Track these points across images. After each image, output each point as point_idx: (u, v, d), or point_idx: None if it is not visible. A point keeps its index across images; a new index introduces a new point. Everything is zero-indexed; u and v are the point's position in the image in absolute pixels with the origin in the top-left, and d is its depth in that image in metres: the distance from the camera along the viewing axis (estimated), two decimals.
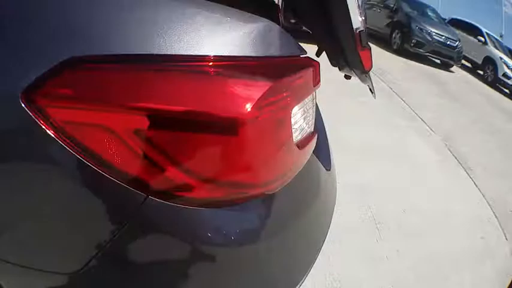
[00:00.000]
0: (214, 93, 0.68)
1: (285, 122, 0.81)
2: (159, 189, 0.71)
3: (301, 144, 0.93)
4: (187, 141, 0.69)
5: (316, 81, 0.97)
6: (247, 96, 0.69)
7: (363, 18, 0.96)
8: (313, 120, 1.05)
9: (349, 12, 0.87)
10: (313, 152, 1.30)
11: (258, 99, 0.69)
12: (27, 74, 0.63)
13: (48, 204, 0.71)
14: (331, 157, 1.52)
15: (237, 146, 0.70)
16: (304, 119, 0.96)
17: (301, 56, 0.92)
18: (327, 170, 1.33)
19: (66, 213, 0.73)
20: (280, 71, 0.79)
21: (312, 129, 1.05)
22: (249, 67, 0.74)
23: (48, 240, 0.76)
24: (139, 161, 0.68)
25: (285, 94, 0.78)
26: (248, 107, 0.68)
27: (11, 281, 0.80)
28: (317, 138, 1.47)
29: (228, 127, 0.68)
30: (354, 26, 0.91)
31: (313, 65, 0.94)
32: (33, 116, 0.64)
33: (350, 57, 1.04)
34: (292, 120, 0.85)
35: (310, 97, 0.99)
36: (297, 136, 0.90)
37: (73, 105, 0.65)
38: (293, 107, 0.82)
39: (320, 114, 1.79)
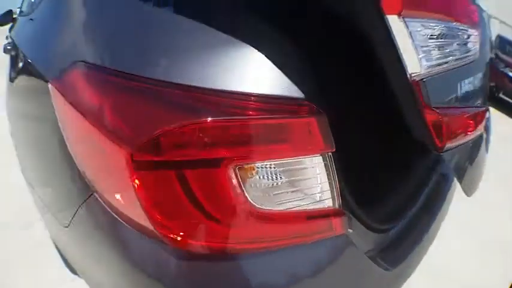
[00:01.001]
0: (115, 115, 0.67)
1: (214, 179, 0.66)
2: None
3: (279, 218, 0.73)
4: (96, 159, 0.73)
5: (320, 142, 0.72)
6: (135, 131, 0.64)
7: (435, 62, 0.65)
8: (333, 195, 0.79)
9: (395, 48, 0.59)
10: (377, 237, 1.00)
11: (153, 138, 0.62)
12: (59, 68, 0.84)
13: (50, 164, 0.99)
14: (414, 257, 1.13)
15: (127, 182, 0.65)
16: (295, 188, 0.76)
17: (289, 100, 0.71)
18: (385, 267, 1.00)
19: (56, 180, 0.96)
20: (217, 108, 0.65)
21: (332, 206, 0.79)
22: (166, 94, 0.66)
23: (54, 198, 1.04)
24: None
25: (213, 141, 0.64)
26: (131, 143, 0.63)
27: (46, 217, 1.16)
28: (412, 227, 1.13)
29: (118, 158, 0.65)
30: (409, 71, 0.62)
31: (312, 116, 0.71)
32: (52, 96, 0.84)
33: (412, 123, 0.72)
34: (254, 183, 0.69)
35: (318, 160, 0.75)
36: (268, 203, 0.72)
37: (68, 96, 0.79)
38: (242, 164, 0.67)
39: (440, 198, 1.32)
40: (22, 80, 1.28)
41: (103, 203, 0.75)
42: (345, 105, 0.92)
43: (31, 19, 1.28)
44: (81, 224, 0.88)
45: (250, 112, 0.66)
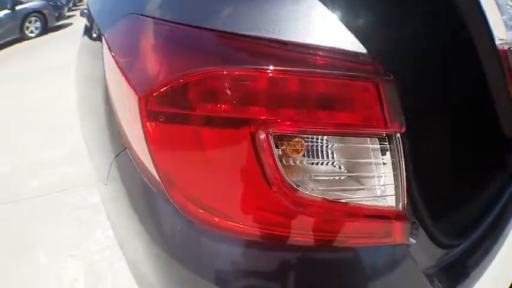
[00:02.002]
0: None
1: (241, 144, 0.55)
2: None
3: (325, 209, 0.60)
4: None
5: (385, 115, 0.57)
6: (159, 72, 0.57)
7: None
8: (398, 192, 0.63)
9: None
10: None
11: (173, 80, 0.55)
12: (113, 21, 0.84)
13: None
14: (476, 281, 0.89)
15: (140, 135, 0.59)
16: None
17: (352, 56, 0.57)
18: None
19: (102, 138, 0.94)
20: (257, 57, 0.55)
21: (395, 206, 0.63)
22: (200, 39, 0.58)
23: (100, 157, 1.02)
24: None
25: (246, 96, 0.54)
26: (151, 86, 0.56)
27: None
28: None
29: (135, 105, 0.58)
30: (498, 38, 0.49)
31: (379, 79, 0.56)
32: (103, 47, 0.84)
33: (498, 101, 0.58)
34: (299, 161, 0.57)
35: (382, 142, 0.60)
36: (310, 188, 0.60)
37: (112, 44, 0.78)
38: (280, 131, 0.56)
39: None
40: (86, 38, 1.33)
41: (131, 159, 0.71)
42: (424, 86, 0.78)
43: None
44: (114, 182, 0.86)
45: (298, 65, 0.55)
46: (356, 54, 0.57)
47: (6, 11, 9.25)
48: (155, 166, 0.58)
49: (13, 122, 3.94)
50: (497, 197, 0.99)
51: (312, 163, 0.59)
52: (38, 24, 9.71)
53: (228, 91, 0.53)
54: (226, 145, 0.56)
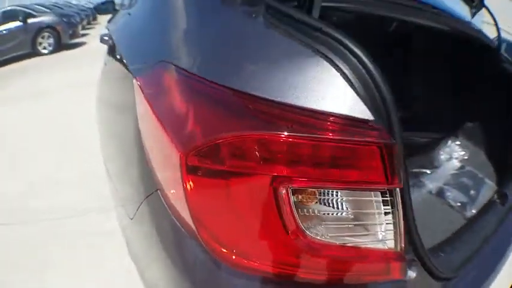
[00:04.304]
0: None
1: (265, 197, 0.68)
2: None
3: (334, 252, 0.72)
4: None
5: (388, 174, 0.70)
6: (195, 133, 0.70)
7: None
8: (396, 237, 0.75)
9: None
10: None
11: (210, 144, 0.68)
12: (144, 65, 0.98)
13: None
14: None
15: (179, 185, 0.71)
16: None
17: (362, 122, 0.69)
18: None
19: (130, 172, 1.07)
20: (281, 122, 0.67)
21: (394, 248, 0.75)
22: (235, 103, 0.71)
23: (126, 189, 1.16)
24: None
25: (270, 156, 0.67)
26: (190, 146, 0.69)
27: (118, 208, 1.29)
28: None
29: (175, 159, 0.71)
30: None
31: (384, 142, 0.68)
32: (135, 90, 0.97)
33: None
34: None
35: (384, 195, 0.72)
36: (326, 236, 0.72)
37: (146, 91, 0.91)
38: (297, 186, 0.68)
39: None
40: (112, 71, 1.42)
41: (163, 201, 0.81)
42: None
43: (129, 13, 1.41)
44: (142, 219, 0.97)
45: (315, 130, 0.67)
46: (365, 121, 0.69)
47: (18, 23, 9.46)
48: (190, 210, 0.70)
49: (27, 141, 4.03)
50: (492, 233, 1.12)
51: (324, 212, 0.72)
52: (51, 40, 9.93)
53: (253, 151, 0.66)
54: (251, 196, 0.68)
